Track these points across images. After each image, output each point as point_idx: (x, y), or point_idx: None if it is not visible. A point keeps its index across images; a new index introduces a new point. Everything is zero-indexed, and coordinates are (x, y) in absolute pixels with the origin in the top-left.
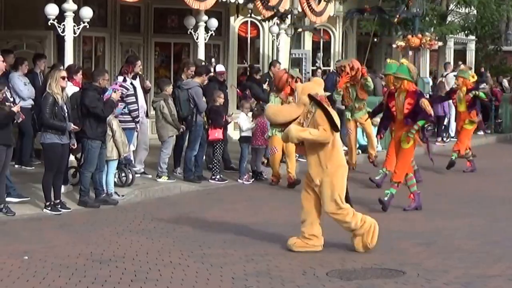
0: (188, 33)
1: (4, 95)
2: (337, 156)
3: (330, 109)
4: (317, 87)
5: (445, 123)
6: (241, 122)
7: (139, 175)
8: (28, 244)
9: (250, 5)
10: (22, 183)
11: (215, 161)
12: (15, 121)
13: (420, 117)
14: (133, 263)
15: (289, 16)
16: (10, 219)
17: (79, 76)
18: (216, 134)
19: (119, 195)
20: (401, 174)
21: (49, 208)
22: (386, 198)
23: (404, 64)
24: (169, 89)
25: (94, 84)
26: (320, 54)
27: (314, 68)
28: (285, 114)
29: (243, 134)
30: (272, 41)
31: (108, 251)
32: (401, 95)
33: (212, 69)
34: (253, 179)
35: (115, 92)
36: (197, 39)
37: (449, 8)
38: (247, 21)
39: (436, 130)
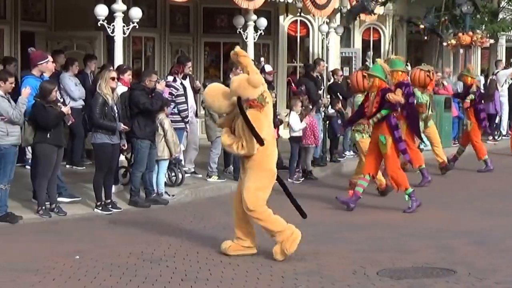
0: (237, 32)
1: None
2: (267, 160)
3: (254, 123)
4: (251, 88)
5: (496, 121)
6: (292, 121)
7: (189, 174)
8: (79, 244)
9: (299, 4)
10: (73, 183)
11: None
12: (65, 124)
13: (385, 107)
14: (184, 263)
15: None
16: (61, 219)
17: (127, 76)
18: None
19: (169, 195)
20: (400, 181)
21: (100, 208)
22: (410, 204)
23: (378, 63)
24: None
25: (142, 84)
26: (370, 53)
27: (363, 67)
28: (216, 106)
29: (294, 134)
30: (322, 40)
31: (159, 250)
32: (373, 95)
33: (260, 69)
34: (303, 178)
35: (159, 82)
36: (246, 38)
37: (501, 6)
38: (296, 20)
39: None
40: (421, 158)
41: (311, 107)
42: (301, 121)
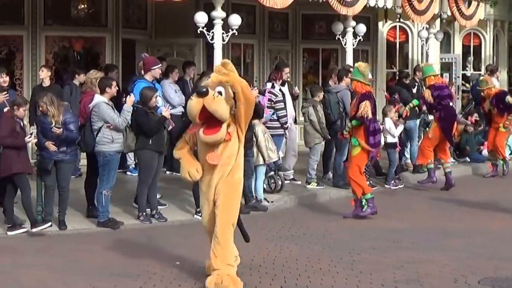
0: (336, 39)
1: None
2: None
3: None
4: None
5: None
6: (389, 128)
7: (288, 181)
8: (179, 250)
9: (399, 10)
10: (173, 189)
11: (366, 167)
12: (165, 129)
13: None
14: (283, 269)
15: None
16: (162, 225)
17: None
18: None
19: (268, 201)
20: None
21: (200, 214)
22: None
23: (356, 66)
24: (321, 95)
25: None
26: (471, 58)
27: (464, 72)
28: None
29: (390, 140)
30: (421, 46)
31: (258, 257)
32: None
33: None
34: (402, 185)
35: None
36: (345, 44)
37: None
38: (395, 26)
39: None
40: (430, 156)
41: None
42: (396, 127)
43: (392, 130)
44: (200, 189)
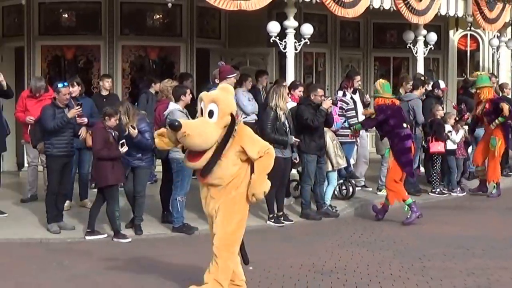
0: (407, 47)
1: None
2: None
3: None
4: None
5: None
6: (452, 135)
7: (359, 188)
8: (252, 255)
9: (470, 19)
10: None
11: (435, 174)
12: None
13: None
14: (354, 275)
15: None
16: None
17: (298, 92)
18: (438, 147)
19: (332, 208)
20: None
21: (273, 220)
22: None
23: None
24: None
25: (309, 99)
26: None
27: None
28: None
29: (450, 147)
30: (492, 54)
31: (330, 262)
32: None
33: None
34: (465, 193)
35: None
36: (416, 53)
37: None
38: (466, 34)
39: None
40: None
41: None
42: (456, 133)
43: (452, 136)
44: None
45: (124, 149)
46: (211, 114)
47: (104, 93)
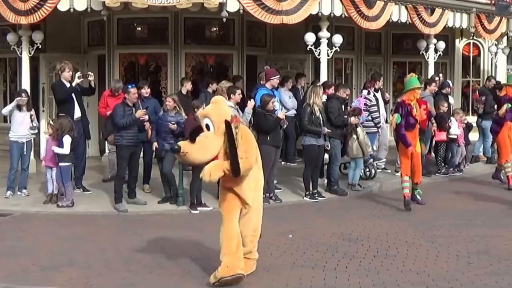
0: (420, 53)
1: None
2: None
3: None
4: None
5: None
6: (453, 127)
7: (380, 170)
8: (292, 225)
9: (472, 30)
10: (287, 176)
11: (439, 158)
12: (281, 128)
13: None
14: (375, 242)
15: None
16: (278, 205)
17: (331, 90)
18: (441, 136)
19: (361, 187)
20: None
21: (308, 197)
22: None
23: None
24: None
25: (337, 94)
26: None
27: None
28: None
29: (453, 136)
30: (491, 59)
31: (355, 231)
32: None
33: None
34: (461, 173)
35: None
36: (427, 58)
37: None
38: (469, 43)
39: None
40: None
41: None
42: (458, 127)
43: (452, 128)
44: None
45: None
46: (207, 127)
47: (184, 91)
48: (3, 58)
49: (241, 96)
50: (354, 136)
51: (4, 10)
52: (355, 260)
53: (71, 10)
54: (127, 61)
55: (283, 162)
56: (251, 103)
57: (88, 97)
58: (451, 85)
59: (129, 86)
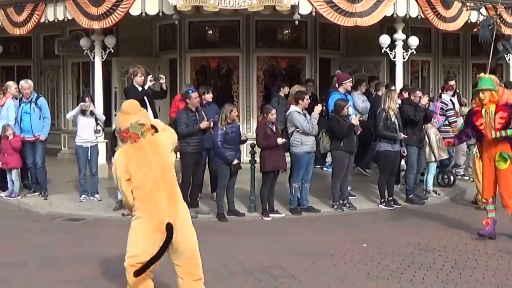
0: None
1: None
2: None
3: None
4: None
5: None
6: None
7: (459, 177)
8: (366, 234)
9: None
10: (362, 182)
11: None
12: (355, 133)
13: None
14: (454, 252)
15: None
16: (352, 212)
17: (406, 94)
18: None
19: (436, 193)
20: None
21: (384, 204)
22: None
23: (486, 76)
24: None
25: (409, 99)
26: None
27: None
28: None
29: None
30: None
31: (433, 241)
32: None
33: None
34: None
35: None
36: (509, 60)
37: None
38: None
39: None
40: None
41: None
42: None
43: None
44: None
45: (282, 140)
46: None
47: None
48: (76, 63)
49: (309, 101)
50: (427, 140)
51: (78, 15)
52: (432, 272)
53: (143, 14)
54: (198, 65)
55: (357, 169)
56: (318, 108)
57: (159, 101)
58: None
59: (190, 91)
